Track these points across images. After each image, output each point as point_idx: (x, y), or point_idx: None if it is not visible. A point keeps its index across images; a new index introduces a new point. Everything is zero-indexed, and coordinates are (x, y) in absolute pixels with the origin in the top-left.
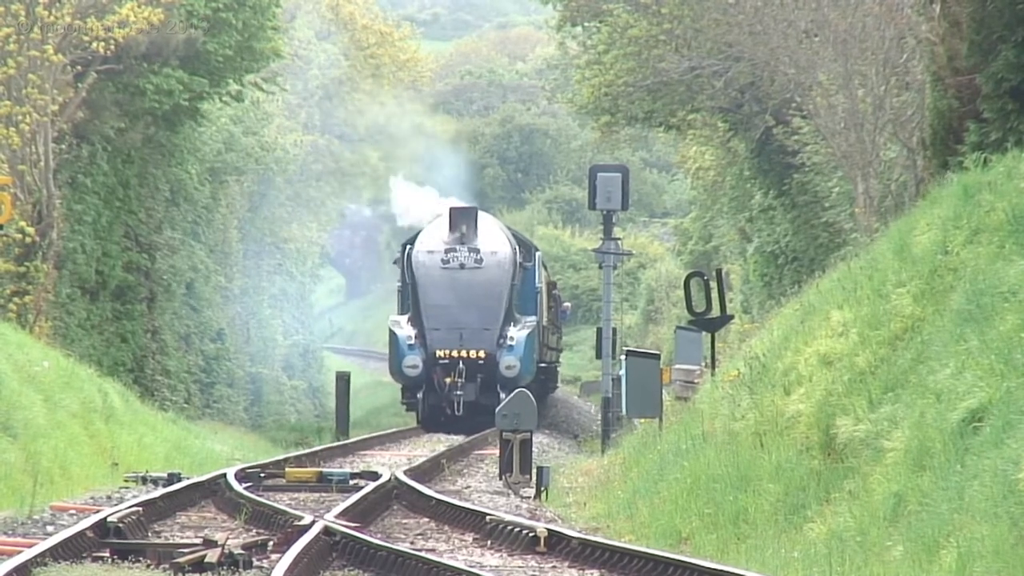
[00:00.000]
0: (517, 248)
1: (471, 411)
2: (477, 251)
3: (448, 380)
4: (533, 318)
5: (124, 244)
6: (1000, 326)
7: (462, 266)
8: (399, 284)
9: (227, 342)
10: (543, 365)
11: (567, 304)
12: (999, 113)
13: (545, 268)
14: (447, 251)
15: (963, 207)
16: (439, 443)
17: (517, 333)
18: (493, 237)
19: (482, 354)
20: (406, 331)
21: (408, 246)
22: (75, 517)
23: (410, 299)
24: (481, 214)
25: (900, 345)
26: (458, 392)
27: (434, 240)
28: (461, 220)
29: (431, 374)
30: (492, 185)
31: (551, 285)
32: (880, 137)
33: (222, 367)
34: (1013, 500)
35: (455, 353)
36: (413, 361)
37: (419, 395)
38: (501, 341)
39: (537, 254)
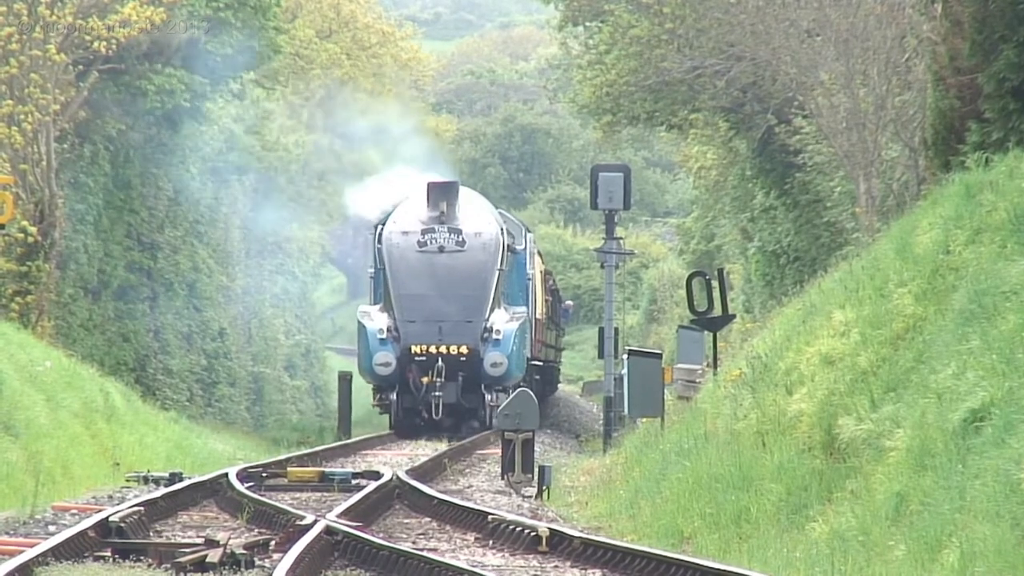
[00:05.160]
0: (505, 229)
1: (451, 414)
2: (459, 232)
3: (425, 379)
4: (523, 309)
5: (126, 244)
6: (1002, 326)
7: (441, 249)
8: (371, 270)
9: (229, 341)
10: (539, 364)
11: (569, 302)
12: (1001, 113)
13: (540, 256)
14: (424, 232)
15: (965, 207)
16: (441, 443)
17: (504, 326)
18: (477, 216)
19: (464, 350)
20: (377, 323)
21: (380, 226)
22: (77, 517)
23: (382, 287)
24: (464, 190)
25: (902, 345)
26: (436, 393)
27: (409, 219)
28: (440, 196)
29: (406, 372)
30: (494, 184)
31: (547, 275)
32: (882, 137)
33: (224, 367)
34: (1015, 500)
35: (433, 349)
36: (385, 358)
37: (392, 396)
38: (486, 335)
39: (529, 237)
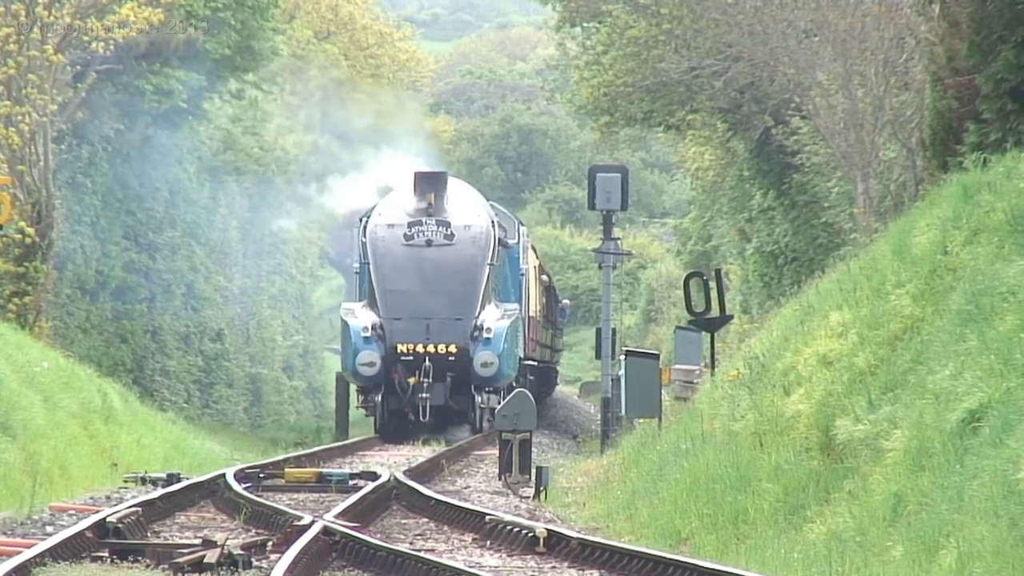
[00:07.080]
0: (497, 222)
1: (440, 417)
2: (447, 225)
3: (412, 380)
4: (515, 306)
5: (124, 244)
6: (999, 326)
7: (429, 243)
8: (355, 265)
9: (227, 342)
10: (534, 364)
11: (567, 302)
12: (999, 113)
13: (535, 250)
14: (411, 225)
15: (962, 207)
16: (439, 443)
17: (495, 324)
18: (467, 208)
19: (452, 349)
20: (362, 321)
21: (364, 219)
22: (74, 517)
23: (367, 283)
24: (453, 180)
25: (899, 345)
26: (424, 395)
27: (395, 211)
28: (428, 187)
29: (391, 373)
30: (491, 185)
31: (542, 271)
32: (879, 137)
33: (222, 367)
34: (1013, 500)
35: (420, 348)
36: (370, 357)
37: (377, 398)
38: (476, 333)
39: (522, 230)
